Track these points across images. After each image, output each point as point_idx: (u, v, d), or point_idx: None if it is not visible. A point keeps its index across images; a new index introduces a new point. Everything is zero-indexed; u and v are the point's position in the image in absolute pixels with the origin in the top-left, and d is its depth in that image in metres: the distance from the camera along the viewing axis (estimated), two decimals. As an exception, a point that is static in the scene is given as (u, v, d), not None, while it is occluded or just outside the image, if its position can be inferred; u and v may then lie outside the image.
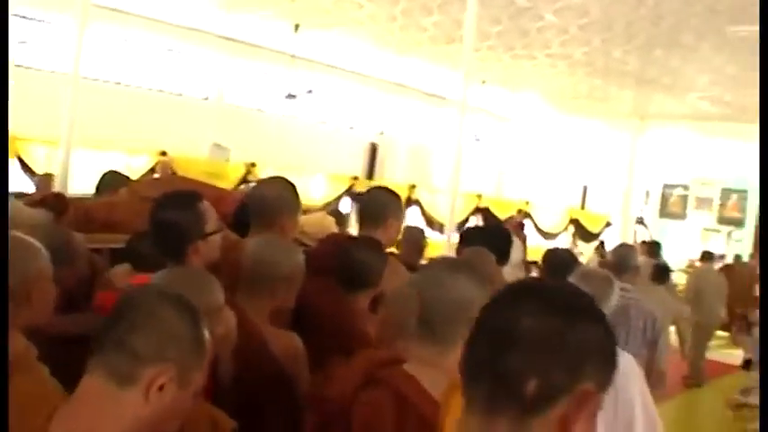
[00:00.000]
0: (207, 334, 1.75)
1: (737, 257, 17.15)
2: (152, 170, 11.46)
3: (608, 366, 1.28)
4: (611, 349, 1.30)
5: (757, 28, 9.42)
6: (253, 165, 12.52)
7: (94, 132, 10.13)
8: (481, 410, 1.26)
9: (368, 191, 4.11)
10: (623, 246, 6.69)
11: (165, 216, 2.92)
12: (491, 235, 4.58)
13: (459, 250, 4.51)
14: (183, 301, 1.75)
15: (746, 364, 12.09)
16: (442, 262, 2.98)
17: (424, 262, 5.43)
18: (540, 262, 5.81)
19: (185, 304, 1.74)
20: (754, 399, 9.89)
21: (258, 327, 2.92)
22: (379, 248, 3.51)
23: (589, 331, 1.27)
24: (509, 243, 4.56)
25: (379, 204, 3.82)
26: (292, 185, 3.51)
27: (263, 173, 12.28)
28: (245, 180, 12.37)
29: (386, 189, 4.05)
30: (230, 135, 13.07)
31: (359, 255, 3.38)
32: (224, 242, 3.06)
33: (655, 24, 9.92)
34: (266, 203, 3.42)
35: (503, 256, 4.15)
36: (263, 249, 3.03)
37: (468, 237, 4.68)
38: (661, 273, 9.37)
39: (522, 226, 14.23)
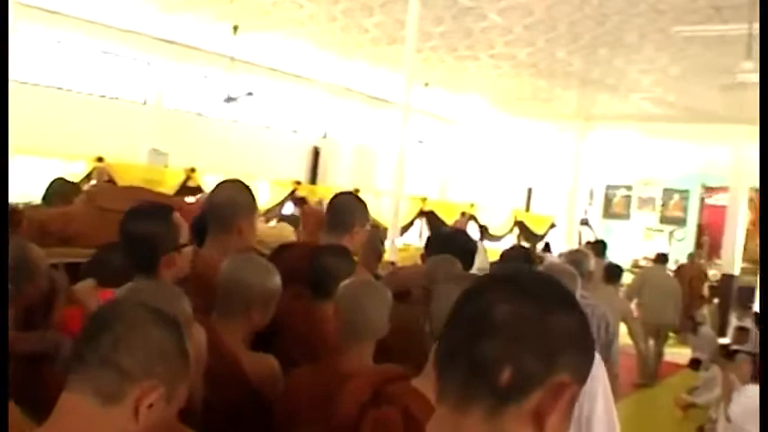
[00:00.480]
0: (189, 346, 1.72)
1: (691, 256, 17.31)
2: (88, 177, 11.10)
3: (584, 358, 1.26)
4: (588, 340, 1.28)
5: (701, 28, 9.45)
6: (192, 170, 12.23)
7: (27, 138, 9.80)
8: (455, 401, 1.23)
9: (334, 197, 4.06)
10: (577, 251, 6.67)
11: (138, 228, 2.83)
12: (455, 241, 4.47)
13: (423, 257, 4.45)
14: (165, 314, 1.70)
15: (694, 364, 12.15)
16: (450, 273, 3.11)
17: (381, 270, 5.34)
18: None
19: (168, 317, 1.70)
20: (702, 398, 9.92)
21: (233, 349, 2.85)
22: (348, 256, 3.49)
23: (565, 321, 1.24)
24: (474, 249, 4.47)
25: (346, 211, 3.84)
26: (247, 188, 3.49)
27: (203, 178, 12.07)
28: (184, 186, 12.10)
29: (352, 195, 4.11)
30: (169, 140, 12.79)
31: (328, 262, 3.35)
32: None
33: (599, 24, 9.87)
34: (222, 207, 3.39)
35: (467, 263, 4.06)
36: (239, 270, 2.95)
37: (432, 243, 4.60)
38: (613, 273, 9.34)
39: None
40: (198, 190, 11.89)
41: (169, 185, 11.69)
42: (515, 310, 1.22)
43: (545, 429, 1.19)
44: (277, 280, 2.99)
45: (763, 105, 3.98)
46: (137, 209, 2.93)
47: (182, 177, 12.19)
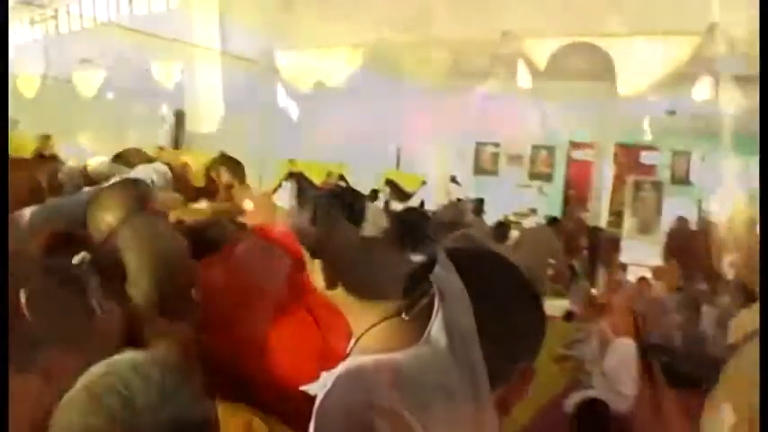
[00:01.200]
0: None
1: (570, 211, 17.77)
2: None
3: (540, 339, 1.34)
4: (542, 322, 1.35)
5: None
6: (47, 137, 11.60)
7: None
8: None
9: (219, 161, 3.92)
10: (453, 204, 6.59)
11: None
12: (342, 199, 4.33)
13: (312, 220, 4.31)
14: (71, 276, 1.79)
15: (568, 316, 12.32)
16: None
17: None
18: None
19: (74, 279, 1.78)
20: (578, 351, 10.03)
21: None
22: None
23: (526, 313, 1.30)
24: (363, 208, 4.36)
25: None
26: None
27: (59, 146, 11.48)
28: (40, 154, 11.48)
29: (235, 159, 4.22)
30: (19, 106, 12.07)
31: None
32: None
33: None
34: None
35: (357, 224, 3.93)
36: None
37: (316, 204, 4.47)
38: (501, 232, 9.33)
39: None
40: (53, 158, 11.33)
41: (25, 152, 11.08)
42: (477, 311, 1.20)
43: (510, 412, 1.26)
44: (184, 245, 2.87)
45: (762, 103, 4.02)
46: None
47: (36, 144, 11.56)
